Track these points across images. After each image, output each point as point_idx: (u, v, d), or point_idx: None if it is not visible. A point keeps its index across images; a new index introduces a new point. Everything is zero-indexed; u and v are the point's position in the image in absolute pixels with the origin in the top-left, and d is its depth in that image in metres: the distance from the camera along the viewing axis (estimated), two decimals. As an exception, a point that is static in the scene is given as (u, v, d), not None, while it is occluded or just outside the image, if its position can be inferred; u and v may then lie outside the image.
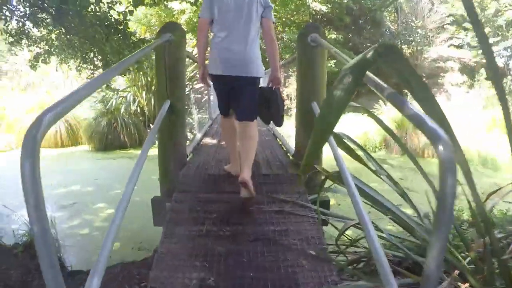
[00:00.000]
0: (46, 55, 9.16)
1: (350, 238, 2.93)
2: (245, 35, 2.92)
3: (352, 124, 12.07)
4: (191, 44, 15.61)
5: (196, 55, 3.39)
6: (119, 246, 5.52)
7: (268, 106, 3.16)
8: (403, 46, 20.14)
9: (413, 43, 20.48)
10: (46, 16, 8.09)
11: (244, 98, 3.03)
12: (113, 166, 10.64)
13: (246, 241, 2.41)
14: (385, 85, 1.38)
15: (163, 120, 3.32)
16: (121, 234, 5.88)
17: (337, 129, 1.62)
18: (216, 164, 3.79)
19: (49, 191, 8.39)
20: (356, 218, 1.89)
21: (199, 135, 5.43)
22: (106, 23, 6.80)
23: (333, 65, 15.04)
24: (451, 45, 20.49)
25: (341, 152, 2.39)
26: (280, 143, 5.04)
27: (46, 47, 9.06)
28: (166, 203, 3.36)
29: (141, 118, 13.92)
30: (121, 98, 13.81)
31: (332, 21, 19.53)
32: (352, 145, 2.66)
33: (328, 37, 17.82)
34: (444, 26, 21.04)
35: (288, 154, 4.21)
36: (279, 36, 18.66)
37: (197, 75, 3.51)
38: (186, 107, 12.29)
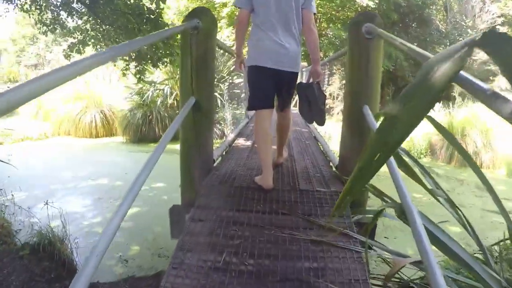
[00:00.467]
0: (80, 46, 8.95)
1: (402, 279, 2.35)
2: (288, 28, 2.83)
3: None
4: (232, 37, 15.24)
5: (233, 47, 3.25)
6: (139, 250, 5.10)
7: (308, 104, 3.05)
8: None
9: (463, 44, 19.23)
10: (80, 6, 7.85)
11: (285, 91, 3.02)
12: (145, 160, 10.23)
13: (272, 281, 1.87)
14: (482, 84, 0.85)
15: (186, 120, 2.86)
16: (142, 237, 5.47)
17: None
18: (245, 173, 3.25)
19: (77, 183, 8.15)
20: (409, 251, 1.32)
21: (231, 136, 4.92)
22: (138, 12, 6.39)
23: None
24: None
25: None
26: (322, 148, 4.46)
27: (81, 37, 8.84)
28: (186, 214, 2.89)
29: (177, 111, 13.52)
30: (158, 91, 13.49)
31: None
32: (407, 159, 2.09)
33: None
34: (496, 27, 19.72)
35: (331, 164, 3.63)
36: (323, 33, 18.03)
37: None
38: (221, 102, 12.22)
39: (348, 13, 18.13)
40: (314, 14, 2.93)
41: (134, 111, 13.13)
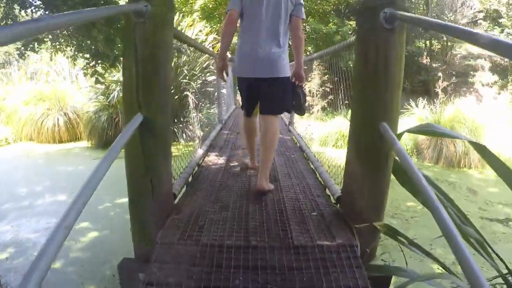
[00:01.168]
0: (36, 43, 7.92)
1: None
2: (273, 33, 2.77)
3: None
4: (205, 32, 14.27)
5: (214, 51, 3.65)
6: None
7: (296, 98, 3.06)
8: (432, 41, 18.54)
9: (444, 38, 18.82)
10: (35, -1, 6.82)
11: (267, 95, 2.86)
12: (111, 170, 9.19)
13: None
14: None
15: (131, 144, 2.00)
16: (100, 273, 4.54)
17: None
18: (218, 216, 2.35)
19: (32, 201, 7.08)
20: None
21: (200, 151, 3.99)
22: (91, 1, 5.42)
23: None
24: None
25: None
26: (312, 165, 3.62)
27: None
28: (140, 273, 2.04)
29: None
30: (125, 90, 12.36)
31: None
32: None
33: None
34: (478, 21, 19.33)
35: (328, 192, 2.81)
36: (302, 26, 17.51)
37: (211, 66, 3.63)
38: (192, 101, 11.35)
39: (326, 7, 17.47)
40: (303, 19, 2.89)
41: (99, 113, 12.00)
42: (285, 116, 6.95)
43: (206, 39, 13.65)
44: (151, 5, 1.89)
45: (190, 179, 3.05)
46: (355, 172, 2.21)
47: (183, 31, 13.07)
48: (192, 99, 11.45)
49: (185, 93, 12.03)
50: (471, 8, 19.11)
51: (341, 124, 11.44)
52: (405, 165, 1.59)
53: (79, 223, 6.02)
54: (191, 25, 13.63)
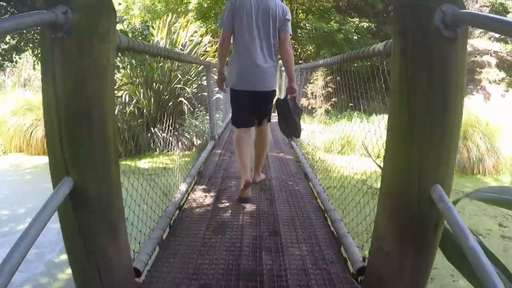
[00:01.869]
0: (14, 52, 7.28)
1: None
2: (265, 49, 2.94)
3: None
4: (200, 33, 13.54)
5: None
6: None
7: (285, 118, 3.19)
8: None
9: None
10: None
11: (262, 108, 3.13)
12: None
13: None
14: None
15: (65, 218, 1.32)
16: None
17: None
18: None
19: (13, 226, 6.35)
20: None
21: (182, 189, 3.17)
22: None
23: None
24: (491, 37, 18.01)
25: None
26: (322, 206, 2.90)
27: (13, 42, 7.17)
28: None
29: (140, 120, 11.75)
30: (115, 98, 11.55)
31: (359, 8, 17.31)
32: None
33: (360, 25, 14.93)
34: (484, 16, 18.65)
35: (344, 254, 2.10)
36: (301, 24, 16.66)
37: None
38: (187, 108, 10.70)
39: (326, 3, 16.77)
40: (290, 35, 3.03)
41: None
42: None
43: (201, 41, 12.93)
44: (72, 10, 1.19)
45: (165, 235, 2.32)
46: (387, 243, 1.50)
47: (176, 33, 12.37)
48: (187, 105, 10.79)
49: (180, 99, 11.36)
50: (476, 2, 18.51)
51: (345, 128, 10.74)
52: (460, 238, 1.00)
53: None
54: (185, 26, 12.91)
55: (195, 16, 16.53)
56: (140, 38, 9.60)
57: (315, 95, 14.24)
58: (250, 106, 3.07)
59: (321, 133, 10.94)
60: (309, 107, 14.11)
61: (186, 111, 10.90)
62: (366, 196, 2.44)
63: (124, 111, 11.30)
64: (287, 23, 2.98)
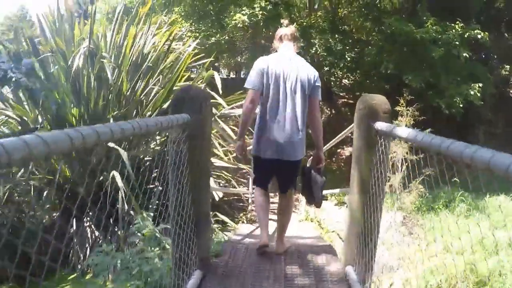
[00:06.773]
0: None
1: None
2: (294, 115, 2.85)
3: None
4: (187, 41, 8.20)
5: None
6: None
7: (309, 187, 3.17)
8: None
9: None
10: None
11: (285, 176, 3.07)
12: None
13: None
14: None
15: None
16: None
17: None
18: None
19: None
20: None
21: None
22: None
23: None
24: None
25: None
26: None
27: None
28: None
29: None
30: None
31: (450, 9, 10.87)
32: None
33: (466, 34, 9.63)
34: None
35: None
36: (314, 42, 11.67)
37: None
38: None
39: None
40: (320, 101, 3.00)
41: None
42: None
43: (185, 52, 7.16)
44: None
45: None
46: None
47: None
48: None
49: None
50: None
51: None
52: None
53: None
54: (180, 27, 10.65)
55: (183, 14, 12.92)
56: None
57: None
58: (271, 173, 3.11)
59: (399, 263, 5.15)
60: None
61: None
62: None
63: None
64: (317, 89, 2.92)
